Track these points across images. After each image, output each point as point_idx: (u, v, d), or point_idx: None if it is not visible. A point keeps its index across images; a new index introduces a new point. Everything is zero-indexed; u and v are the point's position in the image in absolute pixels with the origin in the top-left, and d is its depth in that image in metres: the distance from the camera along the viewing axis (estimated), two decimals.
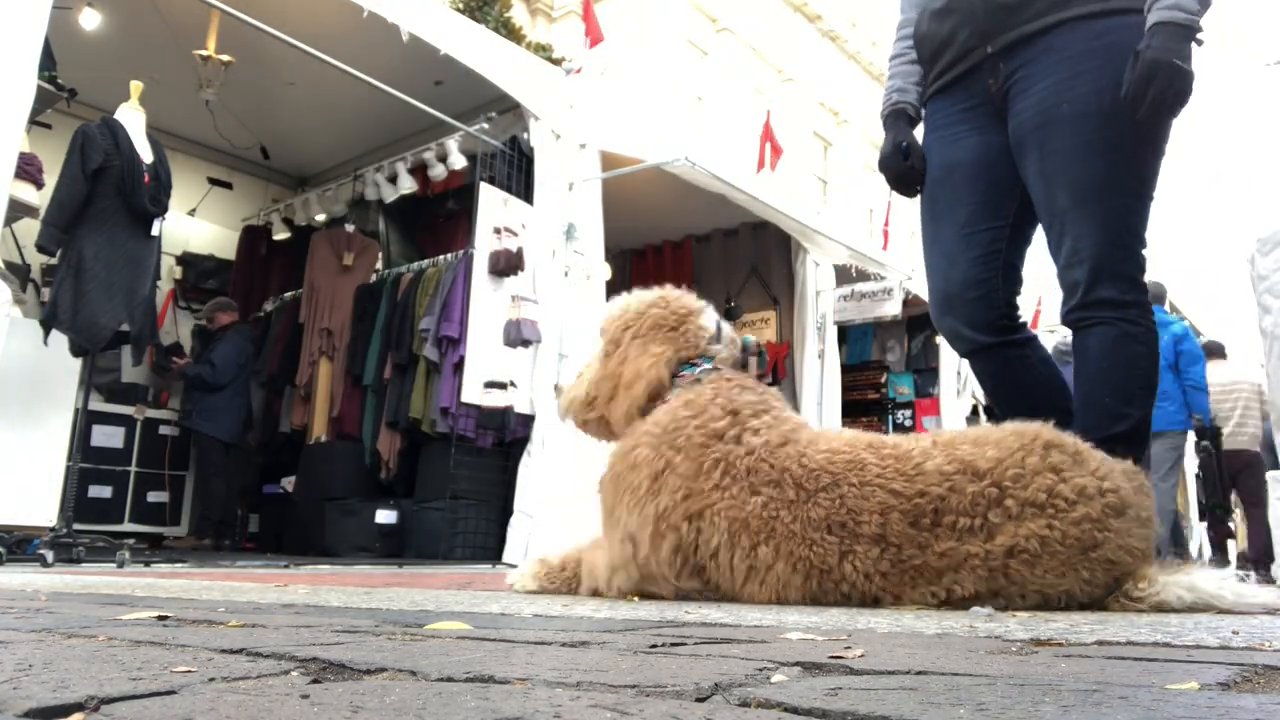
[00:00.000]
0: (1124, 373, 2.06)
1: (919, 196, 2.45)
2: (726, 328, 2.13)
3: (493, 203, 5.65)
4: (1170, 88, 1.91)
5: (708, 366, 2.01)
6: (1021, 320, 2.31)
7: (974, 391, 9.00)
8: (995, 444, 1.68)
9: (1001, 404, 2.31)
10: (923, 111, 2.46)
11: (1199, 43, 1.94)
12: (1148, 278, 2.13)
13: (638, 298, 2.18)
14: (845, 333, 8.91)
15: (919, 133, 2.48)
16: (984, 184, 2.27)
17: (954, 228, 2.30)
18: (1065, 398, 2.20)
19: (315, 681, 0.72)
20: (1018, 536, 1.58)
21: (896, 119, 2.45)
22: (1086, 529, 1.58)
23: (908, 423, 8.84)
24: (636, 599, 1.82)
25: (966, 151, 2.29)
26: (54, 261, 4.20)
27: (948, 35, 2.29)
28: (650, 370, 2.01)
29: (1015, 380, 2.28)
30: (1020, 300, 2.34)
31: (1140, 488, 1.70)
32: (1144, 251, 2.10)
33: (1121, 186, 2.06)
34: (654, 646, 0.98)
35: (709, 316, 2.12)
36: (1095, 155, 2.06)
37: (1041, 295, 11.03)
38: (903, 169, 2.41)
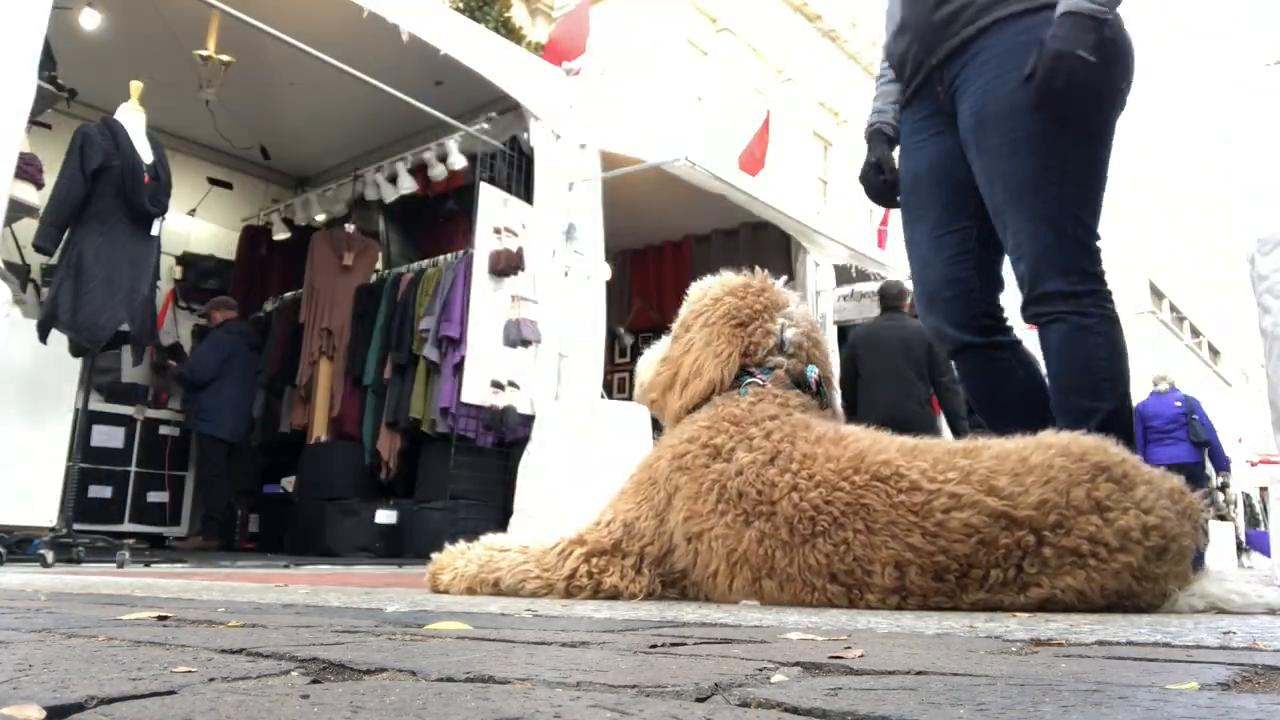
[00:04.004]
0: (1085, 367, 2.05)
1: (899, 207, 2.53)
2: (792, 334, 1.93)
3: (493, 203, 5.65)
4: (1072, 77, 1.93)
5: (758, 381, 1.85)
6: (1007, 322, 2.32)
7: None
8: (1039, 477, 1.52)
9: (981, 405, 2.33)
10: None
11: (1108, 33, 1.96)
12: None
13: (721, 281, 2.01)
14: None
15: (898, 150, 2.56)
16: (947, 187, 2.31)
17: (925, 231, 2.36)
18: (1046, 405, 2.18)
19: (315, 681, 0.72)
20: (1054, 590, 1.48)
21: (874, 138, 2.55)
22: (1126, 580, 1.48)
23: None
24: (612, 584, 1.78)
25: (927, 159, 2.36)
26: (54, 261, 4.20)
27: (903, 52, 2.37)
28: (715, 370, 1.88)
29: (995, 382, 2.29)
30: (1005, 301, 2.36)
31: (1186, 510, 1.57)
32: (1095, 242, 2.10)
33: (1057, 178, 2.07)
34: (654, 646, 0.98)
35: (781, 320, 1.94)
36: (1024, 150, 2.09)
37: None
38: (878, 184, 2.53)
